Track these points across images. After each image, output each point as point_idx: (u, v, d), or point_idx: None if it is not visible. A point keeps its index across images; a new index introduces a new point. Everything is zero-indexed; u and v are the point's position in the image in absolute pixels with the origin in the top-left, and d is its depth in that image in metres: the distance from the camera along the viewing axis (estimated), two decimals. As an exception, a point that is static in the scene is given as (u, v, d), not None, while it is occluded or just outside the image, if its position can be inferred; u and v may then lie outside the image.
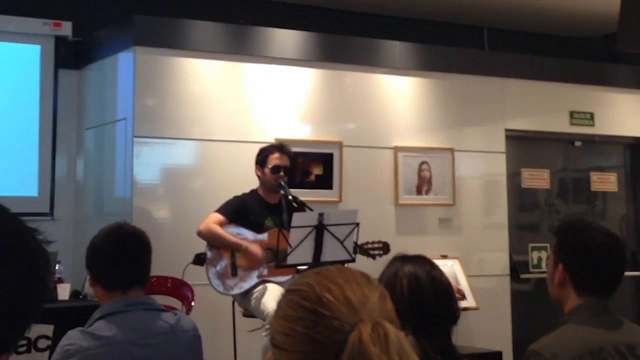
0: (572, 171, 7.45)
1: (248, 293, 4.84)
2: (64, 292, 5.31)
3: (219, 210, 4.91)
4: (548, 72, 7.15)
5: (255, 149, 5.16)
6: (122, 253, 2.63)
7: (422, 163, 6.53)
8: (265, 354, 4.39)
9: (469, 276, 6.31)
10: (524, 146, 7.16)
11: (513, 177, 7.01)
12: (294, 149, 5.34)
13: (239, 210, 4.93)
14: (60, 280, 5.37)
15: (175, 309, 4.03)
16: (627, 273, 2.58)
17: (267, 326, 4.44)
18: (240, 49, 5.96)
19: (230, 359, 5.18)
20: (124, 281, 2.64)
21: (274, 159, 4.99)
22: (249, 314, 4.96)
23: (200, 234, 4.86)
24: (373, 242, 5.29)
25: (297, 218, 4.58)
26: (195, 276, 5.05)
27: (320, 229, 4.55)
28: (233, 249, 4.83)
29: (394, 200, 6.38)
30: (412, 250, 2.28)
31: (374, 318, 1.23)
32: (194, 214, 5.33)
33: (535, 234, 7.15)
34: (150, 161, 5.62)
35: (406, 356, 1.21)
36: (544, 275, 2.56)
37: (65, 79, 6.20)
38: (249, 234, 4.90)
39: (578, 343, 2.23)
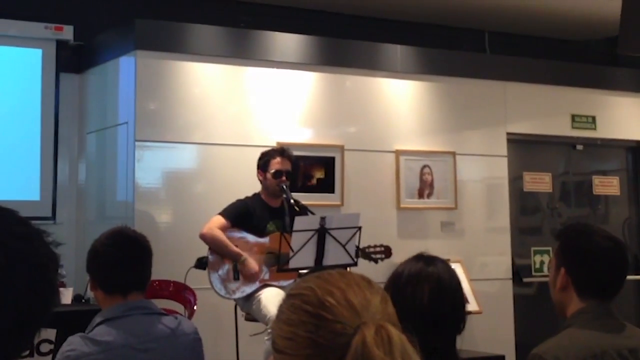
0: (574, 175, 7.44)
1: (250, 297, 4.83)
2: (66, 296, 5.31)
3: (222, 214, 4.90)
4: (549, 76, 7.15)
5: (257, 152, 5.15)
6: (122, 257, 2.64)
7: (424, 167, 6.52)
8: (267, 358, 4.39)
9: (471, 280, 6.30)
10: (525, 150, 7.15)
11: (515, 180, 7.00)
12: (296, 153, 5.33)
13: (241, 214, 4.92)
14: (63, 285, 5.35)
15: (177, 312, 4.02)
16: (629, 277, 2.58)
17: (269, 330, 4.43)
18: (241, 52, 5.96)
19: (232, 363, 5.18)
20: (124, 285, 2.64)
21: (276, 163, 4.98)
22: (251, 318, 4.95)
23: (203, 237, 4.85)
24: (375, 246, 5.30)
25: (299, 222, 4.57)
26: (198, 280, 5.05)
27: (322, 233, 4.53)
28: (233, 258, 4.82)
29: (395, 203, 6.38)
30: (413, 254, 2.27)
31: (376, 321, 1.23)
32: (196, 218, 5.33)
33: (538, 237, 7.14)
34: (151, 165, 5.62)
35: (409, 359, 1.20)
36: (547, 279, 2.55)
37: (66, 83, 6.20)
38: (252, 238, 4.90)
39: (581, 347, 2.22)
